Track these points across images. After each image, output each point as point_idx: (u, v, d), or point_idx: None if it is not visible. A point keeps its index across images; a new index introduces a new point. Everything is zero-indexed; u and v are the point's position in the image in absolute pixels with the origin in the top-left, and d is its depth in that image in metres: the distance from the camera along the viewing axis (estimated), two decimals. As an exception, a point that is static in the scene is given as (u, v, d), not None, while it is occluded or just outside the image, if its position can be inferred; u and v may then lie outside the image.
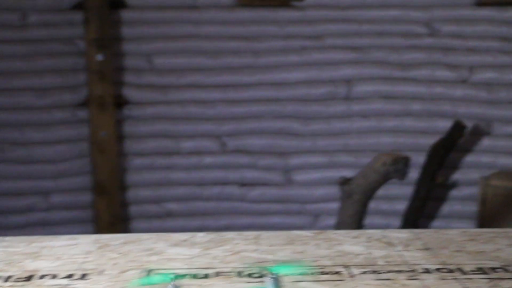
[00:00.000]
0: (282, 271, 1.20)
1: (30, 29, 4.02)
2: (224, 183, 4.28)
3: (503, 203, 3.53)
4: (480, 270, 1.47)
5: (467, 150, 4.10)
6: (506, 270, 1.47)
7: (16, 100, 4.07)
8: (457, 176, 4.12)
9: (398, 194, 4.13)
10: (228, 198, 4.28)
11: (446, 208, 4.14)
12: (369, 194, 2.82)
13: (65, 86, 4.12)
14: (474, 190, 3.99)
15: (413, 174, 4.03)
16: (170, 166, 4.25)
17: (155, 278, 1.19)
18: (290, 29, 4.14)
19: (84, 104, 4.14)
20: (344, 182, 2.88)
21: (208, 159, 4.26)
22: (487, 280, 1.41)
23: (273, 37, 4.15)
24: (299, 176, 4.25)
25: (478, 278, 1.42)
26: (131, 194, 4.25)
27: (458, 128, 3.83)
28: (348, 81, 4.19)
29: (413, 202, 3.87)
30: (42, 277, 1.45)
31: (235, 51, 4.15)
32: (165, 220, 4.24)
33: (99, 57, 4.04)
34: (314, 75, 4.18)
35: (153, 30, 4.12)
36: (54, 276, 1.46)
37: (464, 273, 1.45)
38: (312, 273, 1.38)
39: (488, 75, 4.08)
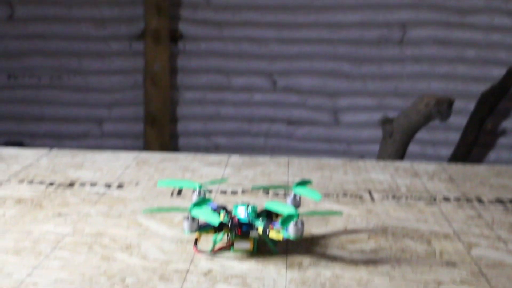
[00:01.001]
0: (301, 192, 1.27)
1: (90, -40, 4.12)
2: (273, 120, 4.34)
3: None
4: (499, 201, 1.51)
5: (519, 98, 4.06)
6: (524, 203, 1.51)
7: (75, 29, 4.20)
8: (506, 124, 4.09)
9: (445, 140, 4.13)
10: (275, 135, 4.36)
11: (492, 155, 4.12)
12: (410, 134, 2.85)
13: (122, 18, 4.21)
14: (523, 140, 3.96)
15: (462, 120, 4.02)
16: (221, 101, 4.34)
17: (183, 182, 1.27)
18: (346, -31, 4.11)
19: (140, 36, 4.23)
20: (386, 121, 2.90)
21: (258, 96, 4.32)
22: (503, 209, 1.45)
23: (329, -23, 4.13)
24: (347, 117, 4.29)
25: (495, 208, 1.46)
26: (181, 126, 4.37)
27: (511, 75, 3.78)
28: (403, 25, 4.16)
29: (459, 147, 3.87)
30: (82, 184, 1.56)
31: (290, -10, 4.16)
32: (212, 154, 4.34)
33: (156, -10, 4.11)
34: (369, 18, 4.16)
35: (210, -34, 4.15)
36: (93, 184, 1.56)
37: (482, 202, 1.50)
38: (319, 200, 1.44)
39: (547, 23, 3.99)
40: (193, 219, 1.14)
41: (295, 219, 1.13)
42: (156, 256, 1.16)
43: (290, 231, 1.13)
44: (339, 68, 4.25)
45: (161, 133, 4.33)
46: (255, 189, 1.51)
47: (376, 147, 4.10)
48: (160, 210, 1.23)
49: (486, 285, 1.07)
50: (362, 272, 1.11)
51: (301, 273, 1.10)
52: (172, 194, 1.50)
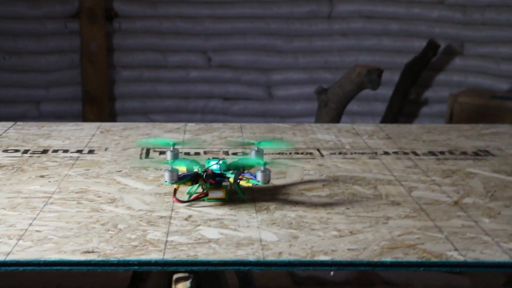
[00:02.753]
0: (265, 145, 1.43)
1: None
2: (209, 97, 4.48)
3: (468, 119, 3.78)
4: (431, 153, 1.72)
5: (440, 69, 4.33)
6: (452, 153, 1.72)
7: (10, 9, 4.20)
8: (428, 93, 4.36)
9: (372, 110, 4.37)
10: (212, 111, 4.50)
11: (416, 123, 4.40)
12: (344, 103, 3.05)
13: (56, -3, 4.25)
14: (443, 108, 4.24)
15: (388, 91, 4.26)
16: (157, 79, 4.43)
17: (158, 141, 1.41)
18: None
19: (75, 16, 4.28)
20: (321, 91, 3.10)
21: (193, 73, 4.44)
22: (435, 159, 1.66)
23: (259, -45, 4.28)
24: (280, 92, 4.46)
25: (428, 158, 1.67)
26: (119, 105, 4.45)
27: (431, 47, 4.04)
28: (331, 1, 4.36)
29: (385, 117, 4.11)
30: (55, 151, 1.68)
31: (222, -32, 4.29)
32: (169, 122, 4.45)
33: (90, -31, 4.16)
34: (298, -6, 4.34)
35: None
36: (65, 151, 1.68)
37: (417, 155, 1.70)
38: (290, 148, 1.61)
39: (464, -3, 4.27)
40: (173, 170, 1.29)
41: (262, 167, 1.30)
42: (140, 206, 1.30)
43: (259, 178, 1.29)
44: (271, 43, 4.42)
45: (99, 112, 4.40)
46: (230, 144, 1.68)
47: (309, 120, 4.31)
48: (150, 143, 1.38)
49: (426, 218, 1.27)
50: (321, 213, 1.29)
51: (269, 215, 1.27)
52: (141, 156, 1.64)
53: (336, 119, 3.08)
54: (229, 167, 1.34)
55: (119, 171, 1.53)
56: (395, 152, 1.72)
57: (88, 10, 4.25)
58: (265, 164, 1.30)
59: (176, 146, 1.41)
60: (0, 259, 1.05)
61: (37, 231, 1.16)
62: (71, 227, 1.19)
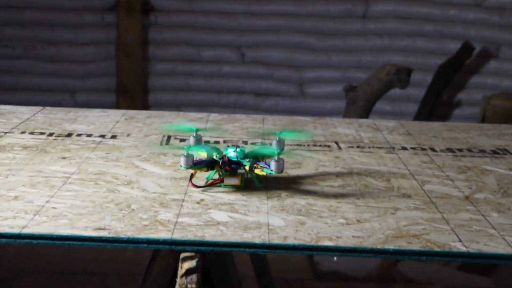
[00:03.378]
0: (286, 135, 1.45)
1: None
2: (241, 92, 4.52)
3: (500, 122, 3.75)
4: (449, 150, 1.72)
5: (474, 71, 4.30)
6: (470, 151, 1.72)
7: (49, 0, 4.30)
8: (461, 96, 4.33)
9: (404, 110, 4.36)
10: (243, 106, 4.53)
11: (449, 125, 4.37)
12: (372, 101, 3.06)
13: (95, -10, 4.33)
14: (476, 110, 4.21)
15: (420, 92, 4.25)
16: (190, 73, 4.49)
17: (181, 126, 1.45)
18: None
19: (112, 8, 4.35)
20: (350, 88, 3.11)
21: (226, 68, 4.48)
22: (452, 156, 1.67)
23: (295, -47, 4.30)
24: (312, 89, 4.48)
25: (445, 155, 1.67)
26: (152, 97, 4.51)
27: (466, 49, 4.02)
28: (366, 0, 4.36)
29: (416, 118, 4.10)
30: (79, 135, 1.73)
31: (258, -35, 4.32)
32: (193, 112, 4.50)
33: (129, -37, 4.23)
34: (333, -7, 4.35)
35: None
36: (89, 135, 1.73)
37: (435, 151, 1.71)
38: (310, 139, 1.64)
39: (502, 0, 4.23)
40: (189, 156, 1.32)
41: (276, 156, 1.32)
42: (155, 189, 1.34)
43: (272, 167, 1.32)
44: (305, 41, 4.44)
45: (133, 103, 4.47)
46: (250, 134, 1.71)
47: (338, 118, 4.32)
48: (173, 128, 1.42)
49: (435, 210, 1.28)
50: (331, 202, 1.31)
51: (280, 202, 1.30)
52: (161, 143, 1.68)
53: (364, 117, 3.09)
54: (246, 156, 1.36)
55: (138, 155, 1.57)
56: (413, 148, 1.73)
57: (125, 3, 4.32)
58: (279, 154, 1.33)
59: (198, 133, 1.45)
60: (15, 232, 1.09)
61: (53, 207, 1.21)
62: (86, 206, 1.23)
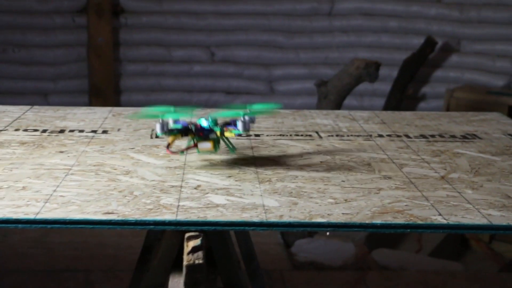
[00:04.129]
0: (255, 108, 1.56)
1: None
2: (212, 90, 4.60)
3: (465, 113, 3.90)
4: (422, 136, 1.84)
5: (437, 65, 4.45)
6: (442, 136, 1.84)
7: (19, 4, 4.33)
8: (426, 89, 4.48)
9: (371, 105, 4.49)
10: (214, 105, 4.61)
11: (415, 118, 4.51)
12: (343, 95, 3.17)
13: (65, -7, 4.36)
14: (440, 103, 4.36)
15: (386, 86, 4.38)
16: (162, 73, 4.55)
17: (159, 108, 1.53)
18: None
19: (83, 10, 4.40)
20: (321, 83, 3.22)
21: (197, 68, 4.56)
22: (426, 141, 1.78)
23: (262, -48, 4.40)
24: (282, 86, 4.58)
25: (419, 141, 1.79)
26: (125, 98, 4.57)
27: (429, 44, 4.16)
28: (331, -2, 4.48)
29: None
30: (71, 131, 1.80)
31: (226, -35, 4.41)
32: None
33: (98, -34, 4.28)
34: (300, -9, 4.46)
35: None
36: (81, 131, 1.81)
37: (409, 137, 1.82)
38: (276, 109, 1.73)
39: (461, -4, 4.39)
40: (163, 122, 1.46)
41: (241, 117, 1.48)
42: (153, 177, 1.42)
43: (239, 127, 1.48)
44: (273, 39, 4.54)
45: (105, 104, 4.51)
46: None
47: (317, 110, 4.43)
48: (142, 115, 1.51)
49: (415, 189, 1.39)
50: (319, 184, 1.41)
51: (271, 185, 1.39)
52: (151, 136, 1.76)
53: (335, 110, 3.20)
54: (216, 122, 1.49)
55: (132, 148, 1.65)
56: (389, 135, 1.84)
57: (95, 5, 4.37)
58: (244, 115, 1.48)
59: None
60: (30, 217, 1.17)
61: (61, 196, 1.28)
62: (91, 193, 1.31)
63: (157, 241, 1.29)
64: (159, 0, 4.44)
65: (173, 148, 1.51)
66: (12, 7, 4.32)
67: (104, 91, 4.51)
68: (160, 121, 1.46)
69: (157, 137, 1.75)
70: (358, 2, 4.46)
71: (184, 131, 1.48)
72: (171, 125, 1.48)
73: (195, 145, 1.49)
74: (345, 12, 4.49)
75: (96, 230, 3.16)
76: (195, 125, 1.48)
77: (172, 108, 1.54)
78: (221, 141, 1.52)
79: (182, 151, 1.51)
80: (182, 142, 1.57)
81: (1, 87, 4.42)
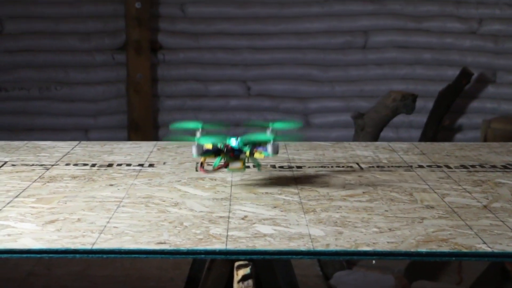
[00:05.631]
0: (278, 126, 1.64)
1: (74, -22, 4.40)
2: (248, 124, 4.66)
3: (502, 143, 3.89)
4: (463, 167, 1.86)
5: (473, 96, 4.46)
6: (482, 166, 1.86)
7: (62, 43, 4.46)
8: (462, 120, 4.49)
9: (408, 137, 4.50)
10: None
11: (451, 149, 4.51)
12: (380, 127, 3.20)
13: (105, 31, 4.50)
14: (477, 134, 4.35)
15: (422, 118, 4.40)
16: (199, 108, 4.63)
17: (189, 123, 1.64)
18: (313, -18, 4.47)
19: (122, 48, 4.52)
20: (358, 116, 3.25)
21: (233, 102, 4.63)
22: (467, 172, 1.80)
23: (297, -11, 4.49)
24: (317, 119, 4.63)
25: (460, 171, 1.81)
26: (163, 132, 4.65)
27: (465, 75, 4.18)
28: (365, 32, 4.53)
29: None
30: (119, 165, 1.86)
31: (261, 2, 4.50)
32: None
33: (137, 4, 4.40)
34: (334, 26, 4.52)
35: (186, -19, 4.47)
36: (128, 165, 1.87)
37: (450, 168, 1.85)
38: (299, 126, 1.86)
39: (496, 27, 4.41)
40: (199, 145, 1.57)
41: (271, 141, 1.58)
42: (201, 209, 1.47)
43: (269, 150, 1.59)
44: (308, 73, 4.60)
45: (144, 139, 4.61)
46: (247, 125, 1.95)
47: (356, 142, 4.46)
48: (182, 126, 1.63)
49: (458, 218, 1.41)
50: (363, 214, 1.44)
51: (316, 215, 1.43)
52: (196, 169, 1.81)
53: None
54: (245, 143, 1.60)
55: (178, 180, 1.70)
56: (429, 166, 1.87)
57: (134, 43, 4.48)
58: (274, 139, 1.58)
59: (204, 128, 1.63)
60: (87, 248, 1.22)
61: (114, 227, 1.33)
62: (143, 224, 1.36)
63: (203, 271, 1.33)
64: (195, 37, 4.54)
65: (205, 167, 1.63)
66: (55, 46, 4.45)
67: (143, 126, 4.60)
68: (196, 144, 1.57)
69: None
70: (392, 35, 4.51)
71: (217, 152, 1.59)
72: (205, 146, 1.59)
73: (226, 165, 1.60)
74: (379, 45, 4.54)
75: (136, 264, 3.22)
76: (226, 146, 1.59)
77: (200, 124, 1.63)
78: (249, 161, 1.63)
79: (214, 169, 1.62)
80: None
81: (44, 124, 4.54)
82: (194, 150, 1.57)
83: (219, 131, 1.68)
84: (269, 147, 1.59)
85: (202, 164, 1.62)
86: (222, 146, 1.59)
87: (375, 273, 3.08)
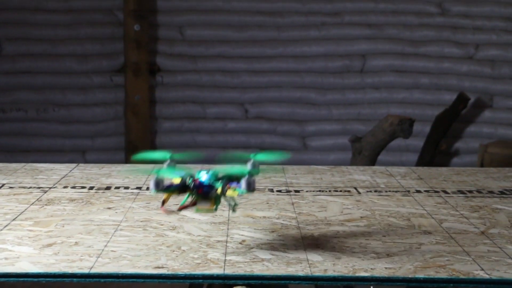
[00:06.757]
0: (260, 158, 1.40)
1: (73, 0, 4.42)
2: (246, 147, 4.66)
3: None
4: (460, 192, 1.86)
5: (470, 121, 4.47)
6: (480, 192, 1.86)
7: (60, 65, 4.48)
8: (459, 144, 4.50)
9: (404, 160, 4.51)
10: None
11: (448, 173, 4.52)
12: (377, 151, 3.21)
13: (103, 53, 4.51)
14: (474, 158, 4.36)
15: (419, 142, 4.41)
16: (197, 130, 4.64)
17: (156, 154, 1.42)
18: (311, 6, 4.51)
19: (120, 70, 4.53)
20: (355, 139, 3.26)
21: (231, 124, 4.64)
22: (464, 197, 1.81)
23: (295, 13, 4.52)
24: (315, 142, 4.64)
25: (457, 196, 1.82)
26: (161, 154, 4.65)
27: (461, 100, 4.20)
28: (363, 55, 4.56)
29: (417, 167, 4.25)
30: (117, 188, 1.86)
31: (259, 25, 4.53)
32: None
33: (136, 27, 4.43)
34: (332, 49, 4.55)
35: (185, 4, 4.50)
36: (126, 188, 1.87)
37: (447, 193, 1.85)
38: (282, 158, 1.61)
39: (493, 52, 4.44)
40: (159, 179, 1.30)
41: (246, 176, 1.30)
42: (199, 233, 1.47)
43: (243, 186, 1.30)
44: (306, 96, 4.61)
45: (142, 162, 4.60)
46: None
47: (354, 166, 4.46)
48: (133, 171, 1.42)
49: (455, 244, 1.41)
50: (360, 239, 1.44)
51: (314, 240, 1.43)
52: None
53: (370, 166, 3.23)
54: (217, 178, 1.33)
55: (176, 204, 1.69)
56: (427, 191, 1.87)
57: (133, 65, 4.50)
58: (250, 173, 1.31)
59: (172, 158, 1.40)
60: (85, 272, 1.21)
61: (112, 251, 1.33)
62: (141, 248, 1.35)
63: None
64: (194, 59, 4.56)
65: (168, 206, 1.37)
66: (53, 67, 4.47)
67: (140, 148, 4.59)
68: (155, 177, 1.31)
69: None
70: (390, 59, 4.53)
71: (182, 188, 1.32)
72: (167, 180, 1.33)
73: (194, 203, 1.33)
74: (376, 69, 4.56)
75: None
76: (194, 180, 1.32)
77: (168, 154, 1.39)
78: (222, 199, 1.34)
79: (179, 209, 1.35)
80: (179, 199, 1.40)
81: (41, 145, 4.54)
82: (152, 185, 1.30)
83: (192, 162, 1.45)
84: (243, 183, 1.30)
85: (164, 202, 1.34)
86: (189, 181, 1.32)
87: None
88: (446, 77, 4.50)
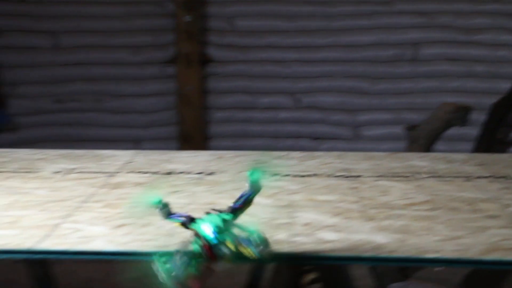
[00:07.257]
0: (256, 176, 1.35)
1: (126, -8, 4.49)
2: (297, 136, 4.67)
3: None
4: (523, 177, 1.85)
5: (526, 109, 4.39)
6: (544, 176, 1.85)
7: (113, 56, 4.55)
8: (515, 133, 4.42)
9: (460, 150, 4.45)
10: (300, 151, 4.67)
11: (503, 162, 4.45)
12: (432, 139, 3.18)
13: (156, 44, 4.57)
14: (531, 147, 4.29)
15: (475, 131, 4.34)
16: (248, 120, 4.67)
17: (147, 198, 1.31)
18: (362, -6, 4.48)
19: (172, 61, 4.58)
20: (411, 128, 3.24)
21: (283, 114, 4.65)
22: (528, 182, 1.79)
23: (345, 2, 4.50)
24: (367, 132, 4.62)
25: (521, 181, 1.80)
26: (213, 143, 4.70)
27: (517, 87, 4.12)
28: (415, 44, 4.51)
29: (472, 155, 4.19)
30: (179, 173, 1.90)
31: (310, 15, 4.52)
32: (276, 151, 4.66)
33: (187, 18, 4.47)
34: (383, 38, 4.52)
35: (236, -6, 4.53)
36: (188, 173, 1.90)
37: (509, 179, 1.83)
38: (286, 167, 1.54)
39: (548, 39, 4.35)
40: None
41: (256, 240, 1.19)
42: (264, 215, 1.49)
43: (256, 251, 1.19)
44: (358, 85, 4.59)
45: (195, 150, 4.65)
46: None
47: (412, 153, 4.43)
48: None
49: (522, 228, 1.41)
50: (424, 222, 1.44)
51: (377, 223, 1.43)
52: (255, 178, 1.84)
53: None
54: (220, 229, 1.23)
55: (238, 188, 1.72)
56: (489, 176, 1.86)
57: (184, 56, 4.54)
58: (254, 233, 1.21)
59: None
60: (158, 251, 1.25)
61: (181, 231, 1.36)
62: (208, 230, 1.38)
63: (261, 279, 1.35)
64: (245, 50, 4.58)
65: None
66: (106, 59, 4.54)
67: (193, 137, 4.64)
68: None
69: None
70: (442, 48, 4.48)
71: (193, 256, 1.20)
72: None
73: (209, 268, 1.19)
74: (429, 57, 4.51)
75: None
76: (203, 245, 1.19)
77: (157, 199, 1.31)
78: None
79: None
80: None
81: (95, 135, 4.62)
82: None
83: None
84: (252, 247, 1.17)
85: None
86: (196, 246, 1.19)
87: (430, 286, 3.04)
88: (501, 65, 4.43)
